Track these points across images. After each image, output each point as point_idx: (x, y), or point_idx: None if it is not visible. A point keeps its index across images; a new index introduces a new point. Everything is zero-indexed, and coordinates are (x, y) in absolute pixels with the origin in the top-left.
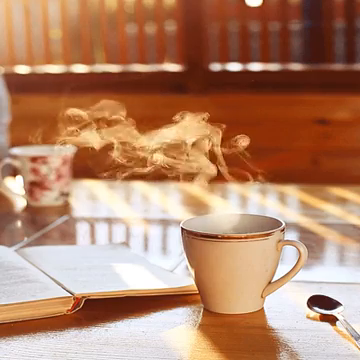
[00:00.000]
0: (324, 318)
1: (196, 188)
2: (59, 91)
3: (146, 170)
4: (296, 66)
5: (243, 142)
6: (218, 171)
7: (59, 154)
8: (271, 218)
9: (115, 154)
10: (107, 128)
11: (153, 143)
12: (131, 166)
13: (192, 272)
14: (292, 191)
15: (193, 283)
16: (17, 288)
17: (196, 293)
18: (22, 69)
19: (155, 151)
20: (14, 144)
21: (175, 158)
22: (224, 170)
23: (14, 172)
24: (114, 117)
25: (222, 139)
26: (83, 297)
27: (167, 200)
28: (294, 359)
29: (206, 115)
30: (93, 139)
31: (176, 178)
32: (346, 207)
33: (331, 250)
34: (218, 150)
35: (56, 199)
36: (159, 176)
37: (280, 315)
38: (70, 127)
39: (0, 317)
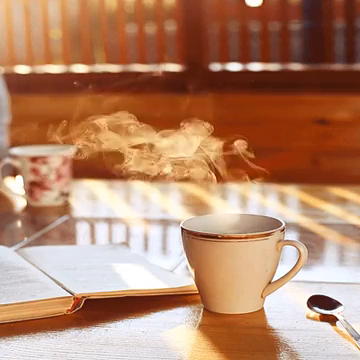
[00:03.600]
0: (324, 318)
1: (196, 188)
2: (59, 91)
3: (148, 172)
4: (296, 66)
5: (243, 142)
6: (218, 171)
7: (59, 154)
8: (271, 218)
9: (117, 155)
10: (109, 129)
11: (153, 144)
12: (132, 167)
13: (192, 272)
14: (292, 191)
15: (193, 283)
16: (17, 288)
17: (196, 293)
18: (22, 69)
19: (157, 153)
20: (14, 144)
21: (176, 158)
22: (224, 170)
23: (14, 172)
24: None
25: (222, 139)
26: (83, 297)
27: (167, 200)
28: (294, 359)
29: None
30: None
31: (176, 178)
32: (346, 207)
33: (331, 250)
34: (218, 150)
35: (56, 199)
36: (159, 177)
37: (280, 315)
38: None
39: (0, 317)
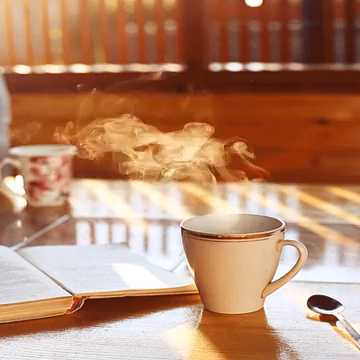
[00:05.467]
0: (324, 318)
1: (196, 188)
2: (59, 91)
3: (147, 171)
4: (296, 66)
5: (243, 142)
6: (218, 171)
7: (59, 154)
8: (271, 218)
9: (118, 154)
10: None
11: (153, 143)
12: (131, 167)
13: (192, 272)
14: (292, 191)
15: (193, 283)
16: (17, 288)
17: (196, 293)
18: (22, 69)
19: (157, 153)
20: (14, 144)
21: (175, 159)
22: (224, 170)
23: (14, 172)
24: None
25: (222, 139)
26: (83, 297)
27: (167, 200)
28: (294, 359)
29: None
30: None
31: (176, 178)
32: (346, 207)
33: (331, 250)
34: (218, 150)
35: (56, 199)
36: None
37: (280, 315)
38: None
39: (0, 317)
